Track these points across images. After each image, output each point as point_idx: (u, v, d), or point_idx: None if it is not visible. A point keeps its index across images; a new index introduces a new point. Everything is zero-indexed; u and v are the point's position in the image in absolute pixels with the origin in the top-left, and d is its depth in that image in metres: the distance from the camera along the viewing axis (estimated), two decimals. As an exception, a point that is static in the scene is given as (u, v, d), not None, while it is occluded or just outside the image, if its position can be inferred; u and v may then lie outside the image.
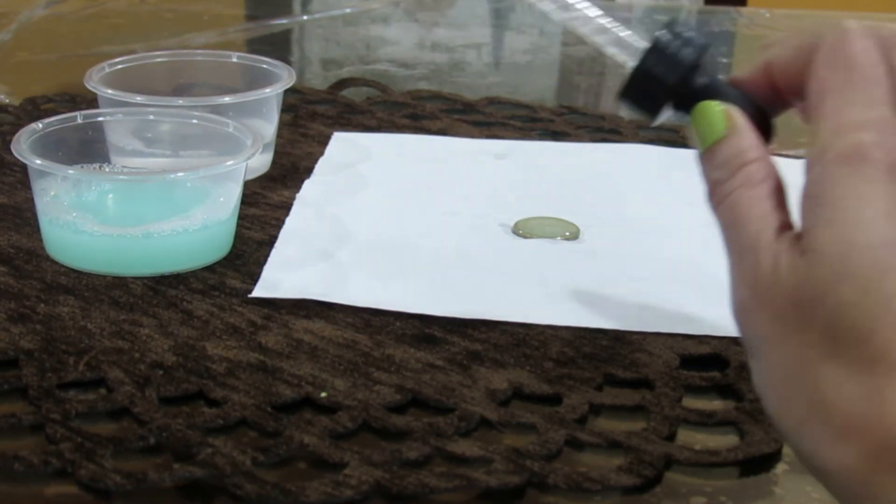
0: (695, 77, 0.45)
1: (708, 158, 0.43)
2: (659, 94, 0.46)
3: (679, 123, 0.86)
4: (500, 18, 1.19)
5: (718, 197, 0.42)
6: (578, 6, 0.48)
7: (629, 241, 0.65)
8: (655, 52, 0.45)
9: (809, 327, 0.37)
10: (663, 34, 0.45)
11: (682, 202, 0.70)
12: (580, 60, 1.07)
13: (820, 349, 0.37)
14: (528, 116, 0.86)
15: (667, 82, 0.45)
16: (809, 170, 0.39)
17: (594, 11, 0.47)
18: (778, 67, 0.44)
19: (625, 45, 0.47)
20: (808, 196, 0.39)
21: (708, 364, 0.53)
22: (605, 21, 0.47)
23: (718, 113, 0.43)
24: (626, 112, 0.88)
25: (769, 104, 0.45)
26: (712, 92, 0.45)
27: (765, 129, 0.44)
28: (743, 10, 1.31)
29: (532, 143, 0.79)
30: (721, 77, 0.46)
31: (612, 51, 0.47)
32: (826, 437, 0.37)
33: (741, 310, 0.40)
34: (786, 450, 0.47)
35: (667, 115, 0.47)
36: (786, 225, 0.40)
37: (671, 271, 0.61)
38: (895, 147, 0.38)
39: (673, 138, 0.81)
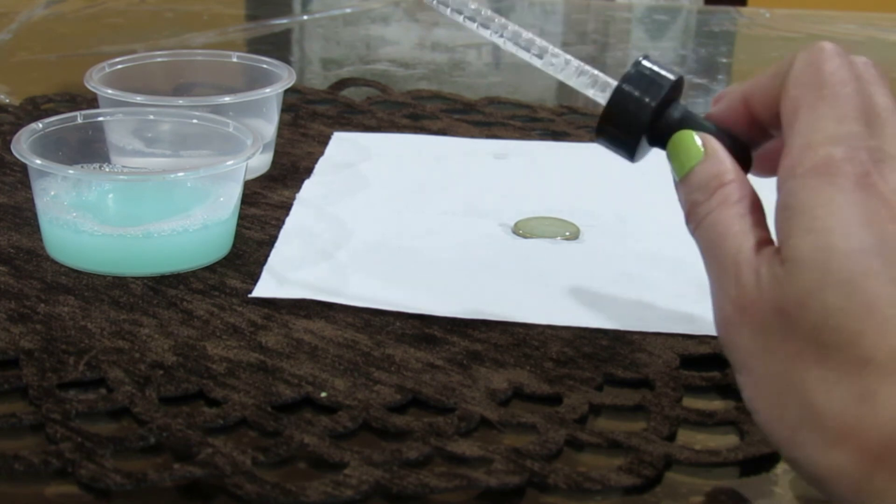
0: (668, 111, 0.46)
1: (685, 183, 0.44)
2: (633, 130, 0.46)
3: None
4: (500, 18, 1.19)
5: (697, 218, 0.43)
6: (550, 50, 0.49)
7: (629, 241, 0.65)
8: (627, 88, 0.46)
9: (795, 335, 0.38)
10: (634, 70, 0.46)
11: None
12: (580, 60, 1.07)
13: (807, 356, 0.38)
14: (528, 116, 0.86)
15: (640, 118, 0.46)
16: (782, 185, 0.40)
17: (566, 55, 0.49)
18: (755, 97, 0.44)
19: (599, 84, 0.48)
20: (783, 208, 0.39)
21: (708, 364, 0.53)
22: (579, 62, 0.49)
23: (693, 140, 0.44)
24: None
25: (749, 137, 0.45)
26: (687, 124, 0.45)
27: (743, 160, 0.44)
28: (743, 10, 1.31)
29: (532, 143, 0.79)
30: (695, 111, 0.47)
31: (587, 91, 0.48)
32: (819, 444, 0.37)
33: (725, 326, 0.41)
34: (786, 450, 0.47)
35: (644, 152, 0.47)
36: (765, 241, 0.41)
37: (671, 271, 0.61)
38: (865, 160, 0.39)
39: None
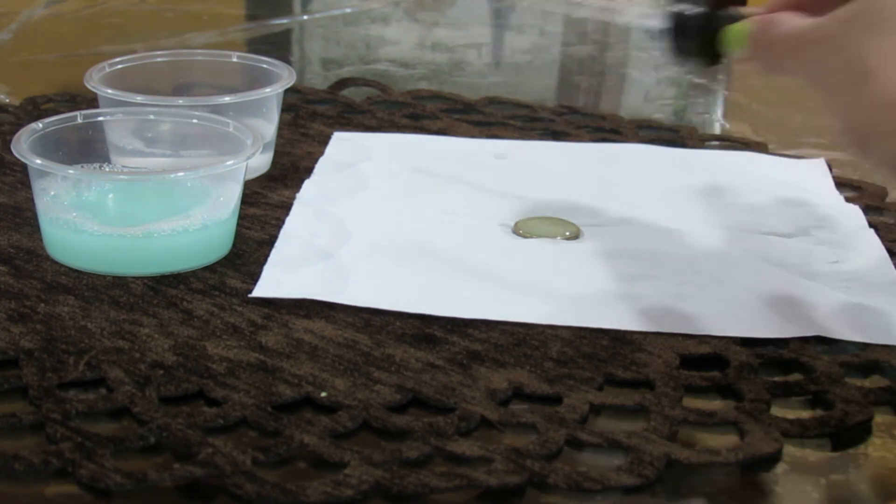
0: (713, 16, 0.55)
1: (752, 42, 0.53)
2: (698, 39, 0.56)
3: (679, 123, 0.86)
4: (500, 18, 1.19)
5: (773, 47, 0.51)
6: None
7: (629, 241, 0.65)
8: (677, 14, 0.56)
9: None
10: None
11: (682, 202, 0.70)
12: (580, 60, 1.07)
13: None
14: (528, 116, 0.86)
15: (700, 27, 0.56)
16: None
17: None
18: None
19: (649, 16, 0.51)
20: None
21: (708, 364, 0.53)
22: None
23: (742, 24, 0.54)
24: (625, 112, 0.88)
25: None
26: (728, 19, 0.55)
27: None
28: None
29: (532, 143, 0.79)
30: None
31: (640, 22, 0.52)
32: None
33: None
34: (786, 449, 0.47)
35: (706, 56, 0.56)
36: None
37: (671, 271, 0.61)
38: None
39: (673, 138, 0.81)
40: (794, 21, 0.50)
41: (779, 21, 0.51)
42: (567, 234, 0.65)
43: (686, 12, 0.56)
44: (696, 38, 0.56)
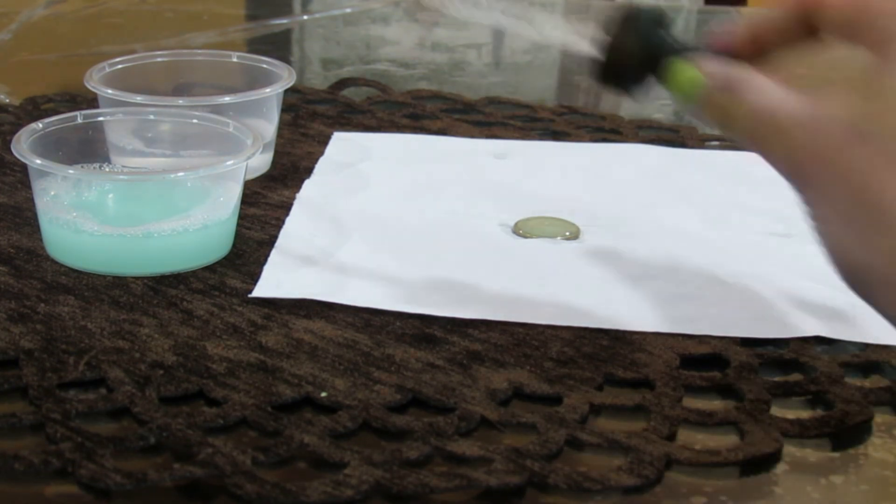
0: (665, 42, 0.46)
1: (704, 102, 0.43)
2: (633, 66, 0.46)
3: (679, 123, 0.86)
4: (500, 18, 1.19)
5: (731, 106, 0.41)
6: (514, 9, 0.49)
7: (629, 241, 0.65)
8: (624, 27, 0.46)
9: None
10: (627, 12, 0.46)
11: (682, 202, 0.70)
12: (580, 60, 1.07)
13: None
14: (528, 116, 0.86)
15: (640, 52, 0.46)
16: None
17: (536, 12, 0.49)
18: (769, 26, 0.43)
19: (581, 35, 0.47)
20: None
21: (708, 364, 0.53)
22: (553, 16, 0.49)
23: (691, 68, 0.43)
24: (625, 112, 0.88)
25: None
26: (681, 52, 0.45)
27: None
28: (743, 10, 1.31)
29: (532, 143, 0.79)
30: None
31: (570, 43, 0.48)
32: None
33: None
34: (786, 449, 0.47)
35: (643, 90, 0.47)
36: None
37: (671, 271, 0.61)
38: None
39: (673, 138, 0.81)
40: (768, 93, 0.40)
41: (748, 86, 0.40)
42: (567, 234, 0.65)
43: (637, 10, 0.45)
44: (636, 41, 0.46)
